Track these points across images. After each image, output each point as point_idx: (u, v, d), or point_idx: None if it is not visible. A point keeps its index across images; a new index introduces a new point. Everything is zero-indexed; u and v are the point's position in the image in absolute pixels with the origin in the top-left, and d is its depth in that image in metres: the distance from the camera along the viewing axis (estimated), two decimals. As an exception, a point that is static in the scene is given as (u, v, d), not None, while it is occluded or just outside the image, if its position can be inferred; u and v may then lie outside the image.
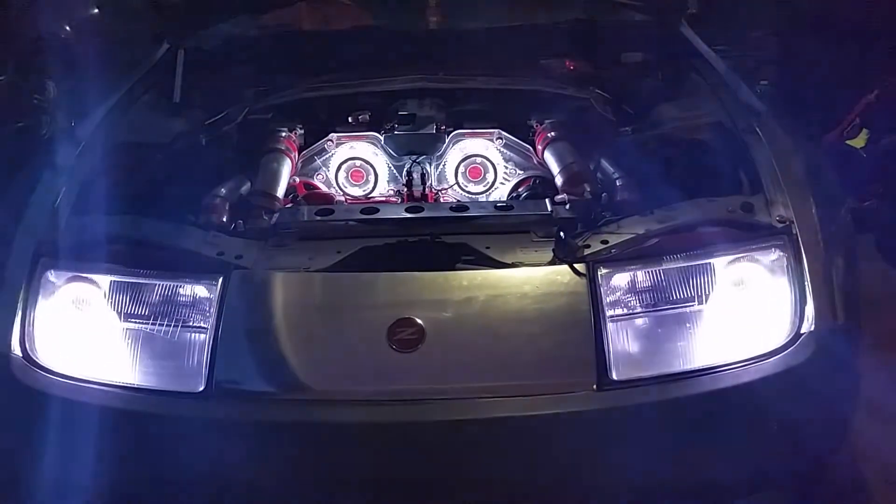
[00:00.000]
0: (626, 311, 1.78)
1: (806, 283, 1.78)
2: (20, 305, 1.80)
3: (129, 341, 1.80)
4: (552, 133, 2.43)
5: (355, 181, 2.50)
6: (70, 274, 1.83)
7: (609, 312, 1.76)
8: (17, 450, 1.83)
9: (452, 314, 1.76)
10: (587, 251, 1.80)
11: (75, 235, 1.89)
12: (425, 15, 2.85)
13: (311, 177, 2.52)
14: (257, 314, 1.80)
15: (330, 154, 2.52)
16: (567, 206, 2.02)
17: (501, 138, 2.50)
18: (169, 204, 2.06)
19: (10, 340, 1.79)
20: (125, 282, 1.81)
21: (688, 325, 1.79)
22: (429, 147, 2.47)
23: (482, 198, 2.48)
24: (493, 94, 2.57)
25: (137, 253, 1.86)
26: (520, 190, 2.47)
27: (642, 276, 1.80)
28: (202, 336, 1.76)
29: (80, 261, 1.85)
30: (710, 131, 2.27)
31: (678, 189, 1.99)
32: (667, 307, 1.79)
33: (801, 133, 2.40)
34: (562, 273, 1.78)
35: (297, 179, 2.47)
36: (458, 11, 2.84)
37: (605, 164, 2.31)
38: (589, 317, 1.74)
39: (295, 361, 1.75)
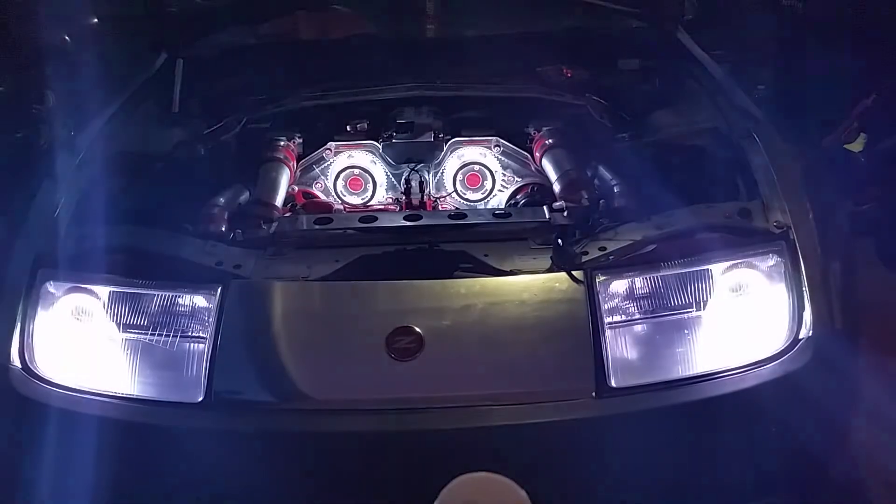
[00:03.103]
0: (624, 317, 1.79)
1: (804, 288, 1.79)
2: (19, 316, 1.81)
3: (128, 352, 1.80)
4: (550, 140, 2.44)
5: (354, 189, 2.50)
6: (69, 284, 1.84)
7: (607, 319, 1.76)
8: (17, 460, 1.83)
9: (451, 322, 1.76)
10: (585, 258, 1.81)
11: (74, 246, 1.90)
12: (423, 23, 2.85)
13: (310, 185, 2.53)
14: (256, 324, 1.80)
15: (328, 163, 2.52)
16: (565, 213, 2.02)
17: (499, 146, 2.50)
18: (168, 214, 2.06)
19: (10, 351, 1.79)
20: (124, 292, 1.82)
21: (686, 331, 1.79)
22: (427, 155, 2.47)
23: (480, 205, 2.49)
24: (490, 101, 2.58)
25: (136, 263, 1.86)
26: (518, 197, 2.47)
27: (640, 283, 1.80)
28: (201, 346, 1.77)
29: (80, 271, 1.85)
30: (707, 137, 2.27)
31: (675, 195, 2.00)
32: (665, 314, 1.80)
33: (799, 138, 2.40)
34: (560, 280, 1.79)
35: (296, 188, 2.47)
36: (455, 19, 2.85)
37: (602, 170, 2.31)
38: (587, 324, 1.75)
39: (294, 371, 1.75)
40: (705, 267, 1.80)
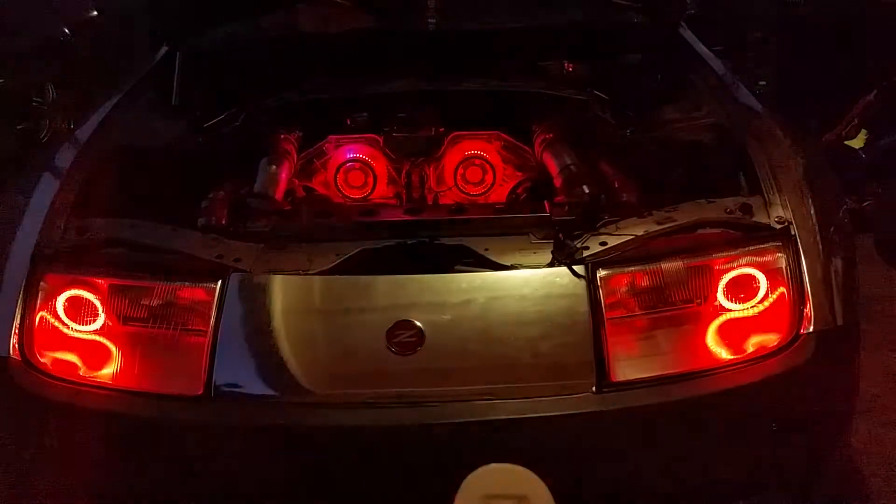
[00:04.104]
0: (625, 312, 1.79)
1: (805, 283, 1.78)
2: (19, 308, 1.80)
3: (128, 345, 1.80)
4: (551, 135, 2.43)
5: (354, 183, 2.50)
6: (69, 277, 1.83)
7: (608, 314, 1.76)
8: (17, 454, 1.83)
9: (451, 316, 1.76)
10: (586, 253, 1.81)
11: (74, 238, 1.89)
12: (424, 17, 2.85)
13: (310, 179, 2.52)
14: (256, 317, 1.80)
15: (329, 156, 2.51)
16: (566, 208, 2.01)
17: (500, 140, 2.50)
18: (167, 207, 2.05)
19: (9, 344, 1.78)
20: (124, 285, 1.82)
21: (687, 326, 1.79)
22: (427, 149, 2.47)
23: (481, 199, 2.48)
24: (491, 95, 2.57)
25: (136, 256, 1.86)
26: (518, 192, 2.47)
27: (641, 278, 1.80)
28: (201, 339, 1.76)
29: (79, 264, 1.85)
30: (708, 132, 2.27)
31: (677, 190, 2.00)
32: (666, 308, 1.79)
33: (800, 134, 2.39)
34: (561, 275, 1.78)
35: (297, 181, 2.47)
36: (456, 13, 2.84)
37: (603, 165, 2.31)
38: (588, 318, 1.75)
39: (294, 364, 1.75)
40: (706, 262, 1.79)
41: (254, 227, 1.98)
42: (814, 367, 1.74)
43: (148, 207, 2.01)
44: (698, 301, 1.79)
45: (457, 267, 1.83)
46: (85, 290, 1.82)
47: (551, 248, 1.82)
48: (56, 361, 1.81)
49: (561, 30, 2.80)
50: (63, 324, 1.82)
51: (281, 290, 1.81)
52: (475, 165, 2.48)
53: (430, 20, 2.81)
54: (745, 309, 1.80)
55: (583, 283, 1.77)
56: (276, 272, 1.82)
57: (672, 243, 1.83)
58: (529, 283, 1.78)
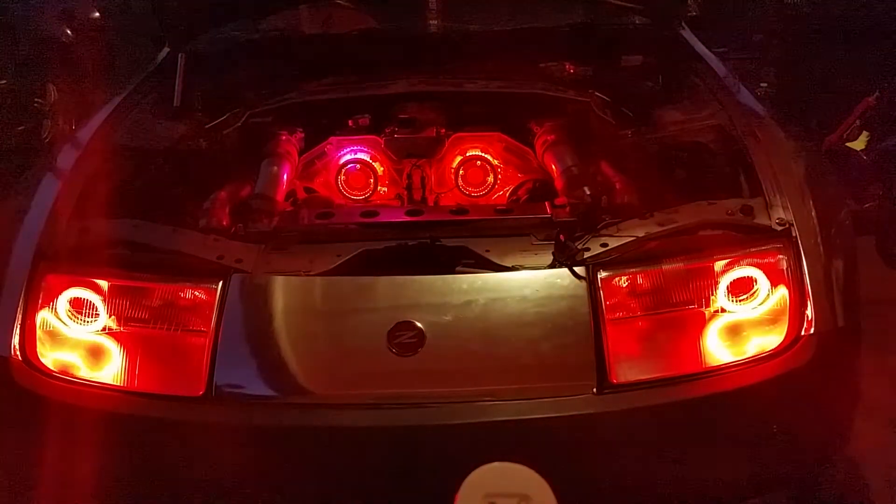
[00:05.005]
0: (625, 313, 1.79)
1: (806, 285, 1.78)
2: (20, 309, 1.80)
3: (129, 345, 1.80)
4: (552, 136, 2.43)
5: (355, 184, 2.50)
6: (70, 277, 1.83)
7: (609, 315, 1.76)
8: (17, 453, 1.83)
9: (452, 318, 1.76)
10: (587, 254, 1.81)
11: (76, 239, 1.89)
12: (425, 18, 2.85)
13: (312, 180, 2.52)
14: (257, 318, 1.80)
15: (330, 157, 2.51)
16: (567, 209, 2.02)
17: (501, 141, 2.50)
18: (169, 208, 2.06)
19: (11, 344, 1.78)
20: (125, 286, 1.82)
21: (688, 327, 1.79)
22: (429, 150, 2.47)
23: (482, 201, 2.48)
24: (493, 97, 2.57)
25: (137, 257, 1.86)
26: (520, 193, 2.47)
27: (642, 279, 1.80)
28: (202, 340, 1.76)
29: (81, 265, 1.85)
30: (709, 134, 2.26)
31: (678, 192, 1.99)
32: (667, 310, 1.79)
33: (801, 135, 2.39)
34: (562, 276, 1.78)
35: (298, 183, 2.47)
36: (458, 14, 2.84)
37: (604, 166, 2.31)
38: (589, 320, 1.75)
39: (295, 365, 1.75)
40: (707, 263, 1.79)
41: (255, 228, 1.99)
42: (815, 368, 1.74)
43: (149, 208, 2.01)
44: (699, 303, 1.79)
45: (458, 268, 1.83)
46: (86, 290, 1.82)
47: (552, 250, 1.83)
48: (57, 362, 1.81)
49: (562, 31, 2.80)
50: (64, 324, 1.83)
51: (282, 291, 1.81)
52: (476, 167, 2.48)
53: (431, 21, 2.81)
54: (746, 310, 1.80)
55: (584, 284, 1.77)
56: (277, 273, 1.82)
57: (673, 245, 1.83)
58: (530, 284, 1.78)
